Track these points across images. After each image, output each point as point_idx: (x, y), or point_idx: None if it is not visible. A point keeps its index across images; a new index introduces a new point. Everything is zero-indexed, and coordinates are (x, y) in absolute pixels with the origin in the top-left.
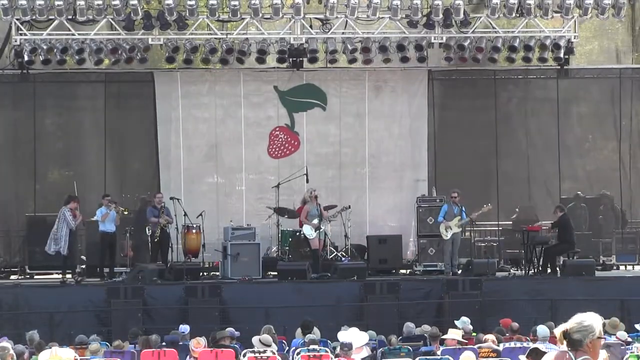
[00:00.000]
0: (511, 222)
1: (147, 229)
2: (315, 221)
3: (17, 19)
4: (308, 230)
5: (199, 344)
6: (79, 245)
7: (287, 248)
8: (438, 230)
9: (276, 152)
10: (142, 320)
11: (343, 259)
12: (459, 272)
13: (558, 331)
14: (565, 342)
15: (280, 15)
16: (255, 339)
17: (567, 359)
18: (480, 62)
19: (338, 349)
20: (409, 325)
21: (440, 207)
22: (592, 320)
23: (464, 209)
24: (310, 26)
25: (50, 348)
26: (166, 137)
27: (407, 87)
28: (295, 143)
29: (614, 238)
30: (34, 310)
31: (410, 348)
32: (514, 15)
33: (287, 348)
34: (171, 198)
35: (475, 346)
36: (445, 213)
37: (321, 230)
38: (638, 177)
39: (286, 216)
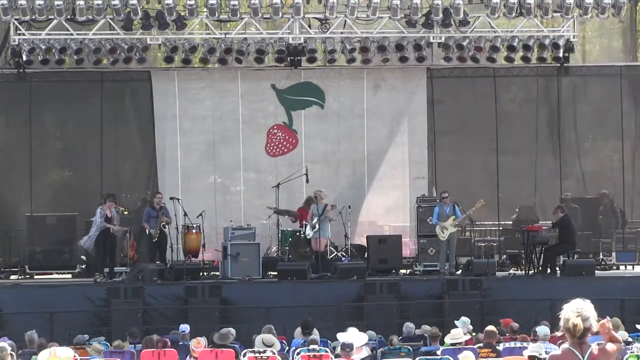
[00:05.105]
0: (511, 222)
1: (147, 230)
2: (314, 220)
3: (15, 19)
4: (307, 230)
5: (199, 344)
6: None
7: (287, 248)
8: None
9: (274, 150)
10: (142, 320)
11: (343, 259)
12: (458, 272)
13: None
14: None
15: (280, 15)
16: (257, 339)
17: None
18: (479, 62)
19: (338, 349)
20: (409, 325)
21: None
22: (565, 309)
23: (457, 207)
24: (309, 26)
25: (50, 348)
26: (163, 136)
27: (406, 85)
28: (294, 141)
29: (614, 238)
30: (34, 310)
31: (410, 348)
32: (514, 15)
33: (287, 348)
34: (171, 198)
35: (475, 346)
36: (438, 215)
37: (316, 229)
38: (638, 177)
39: (286, 216)
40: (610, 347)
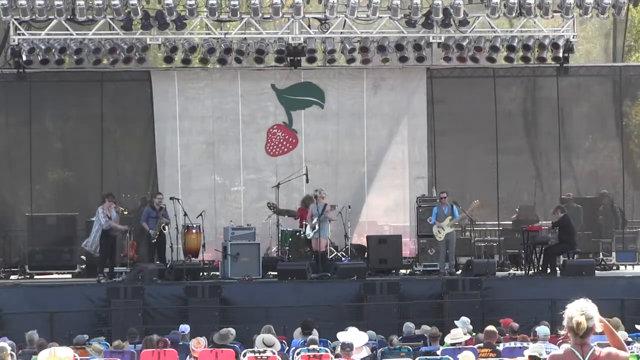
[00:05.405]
0: (511, 222)
1: (146, 230)
2: (314, 220)
3: (15, 19)
4: (307, 230)
5: (199, 344)
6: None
7: (287, 248)
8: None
9: (274, 150)
10: (142, 320)
11: (343, 259)
12: (458, 272)
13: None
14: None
15: (280, 15)
16: (258, 339)
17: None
18: (479, 62)
19: (338, 349)
20: (409, 325)
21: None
22: (569, 308)
23: (455, 207)
24: (309, 26)
25: (50, 348)
26: (163, 136)
27: (405, 85)
28: (293, 141)
29: (614, 238)
30: (34, 310)
31: (410, 348)
32: (514, 15)
33: (287, 348)
34: (171, 198)
35: (475, 346)
36: (436, 215)
37: (316, 230)
38: (638, 177)
39: (286, 216)
40: (616, 352)
